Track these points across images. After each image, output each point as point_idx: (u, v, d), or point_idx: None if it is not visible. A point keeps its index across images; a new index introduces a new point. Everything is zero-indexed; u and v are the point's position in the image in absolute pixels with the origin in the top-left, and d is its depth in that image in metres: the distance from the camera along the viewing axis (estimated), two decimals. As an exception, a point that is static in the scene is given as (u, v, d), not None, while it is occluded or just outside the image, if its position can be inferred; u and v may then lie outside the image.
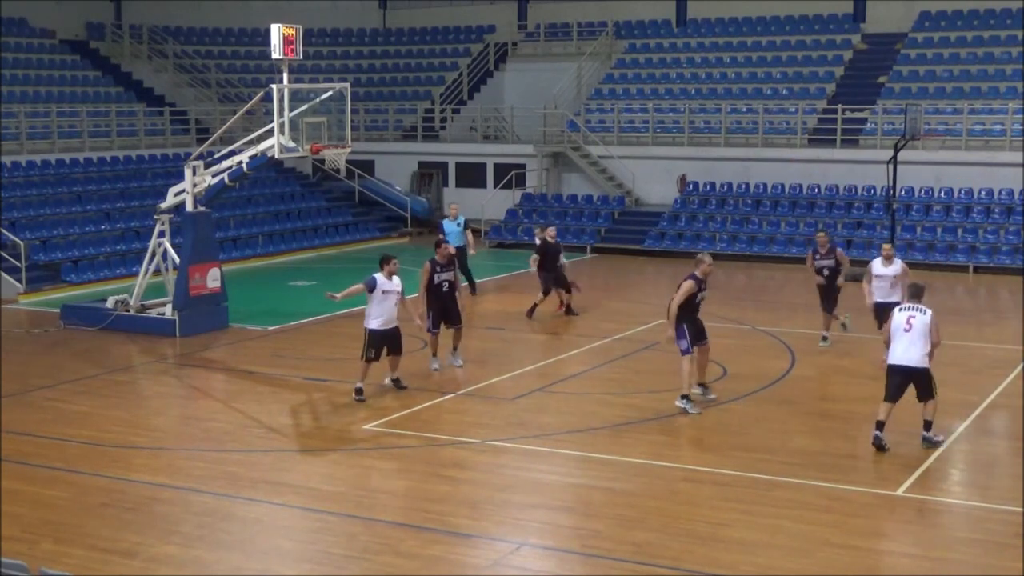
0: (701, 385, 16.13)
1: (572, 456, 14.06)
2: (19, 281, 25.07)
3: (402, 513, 12.05)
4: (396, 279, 16.22)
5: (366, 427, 15.12)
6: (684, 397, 15.54)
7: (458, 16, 43.24)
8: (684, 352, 15.52)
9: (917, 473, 13.18)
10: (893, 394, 13.96)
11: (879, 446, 13.85)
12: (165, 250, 21.74)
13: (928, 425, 14.07)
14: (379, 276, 16.11)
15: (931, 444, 14.01)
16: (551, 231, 22.71)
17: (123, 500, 12.45)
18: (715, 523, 11.68)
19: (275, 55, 19.99)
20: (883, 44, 36.41)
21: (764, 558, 10.84)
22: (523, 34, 41.80)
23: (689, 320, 15.59)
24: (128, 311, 21.54)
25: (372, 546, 11.21)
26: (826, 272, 19.09)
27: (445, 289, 17.58)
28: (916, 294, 14.24)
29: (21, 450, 14.10)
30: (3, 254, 25.36)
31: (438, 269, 17.52)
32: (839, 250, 19.65)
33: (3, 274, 25.10)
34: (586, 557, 11.02)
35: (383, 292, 16.06)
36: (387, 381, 16.67)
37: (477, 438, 14.68)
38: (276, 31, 19.86)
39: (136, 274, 22.58)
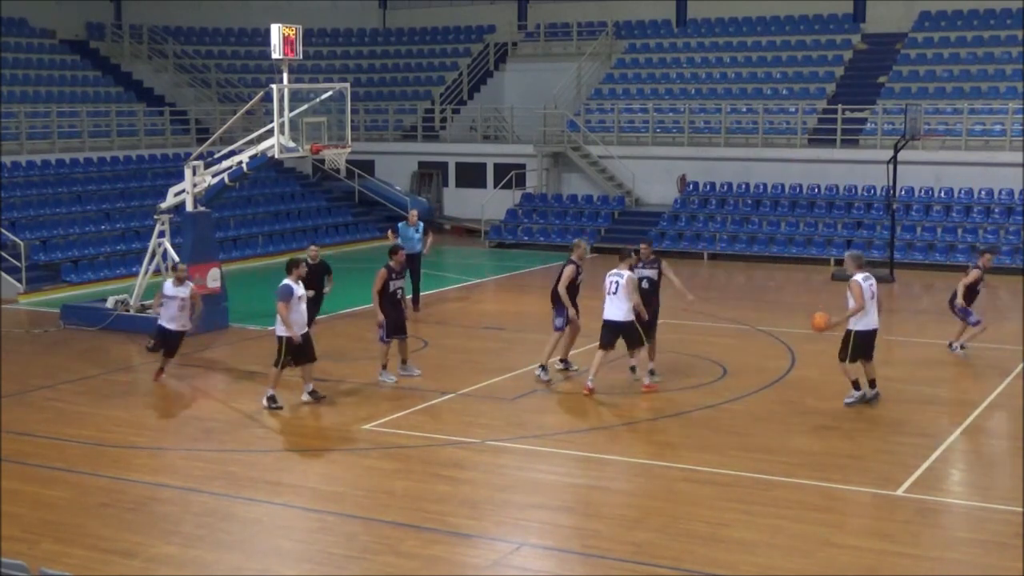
0: (564, 361, 17.81)
1: (572, 456, 14.06)
2: (19, 281, 25.07)
3: (402, 513, 12.04)
4: (301, 284, 16.16)
5: (366, 427, 15.12)
6: (543, 367, 17.34)
7: (458, 16, 43.25)
8: (557, 329, 17.29)
9: (917, 473, 13.18)
10: (867, 353, 15.80)
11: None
12: (165, 250, 21.74)
13: (874, 383, 15.94)
14: (290, 282, 15.88)
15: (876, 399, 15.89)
16: (312, 249, 20.02)
17: (123, 500, 12.45)
18: (715, 523, 11.68)
19: (275, 55, 19.98)
20: (883, 44, 36.42)
21: (764, 558, 10.84)
22: (523, 34, 41.81)
23: (572, 302, 17.17)
24: (128, 311, 21.54)
25: (372, 546, 11.21)
26: (646, 284, 17.22)
27: (399, 296, 17.28)
28: (863, 264, 15.75)
29: (21, 450, 14.10)
30: (3, 254, 25.36)
31: (393, 276, 17.09)
32: (665, 262, 17.83)
33: (3, 274, 25.10)
34: (586, 557, 11.02)
35: (298, 297, 15.86)
36: (304, 397, 16.22)
37: (477, 438, 14.68)
38: (276, 31, 19.85)
39: (136, 274, 22.58)
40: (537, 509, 12.30)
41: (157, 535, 11.46)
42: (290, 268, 16.12)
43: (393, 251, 17.43)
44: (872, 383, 15.92)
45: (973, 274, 18.80)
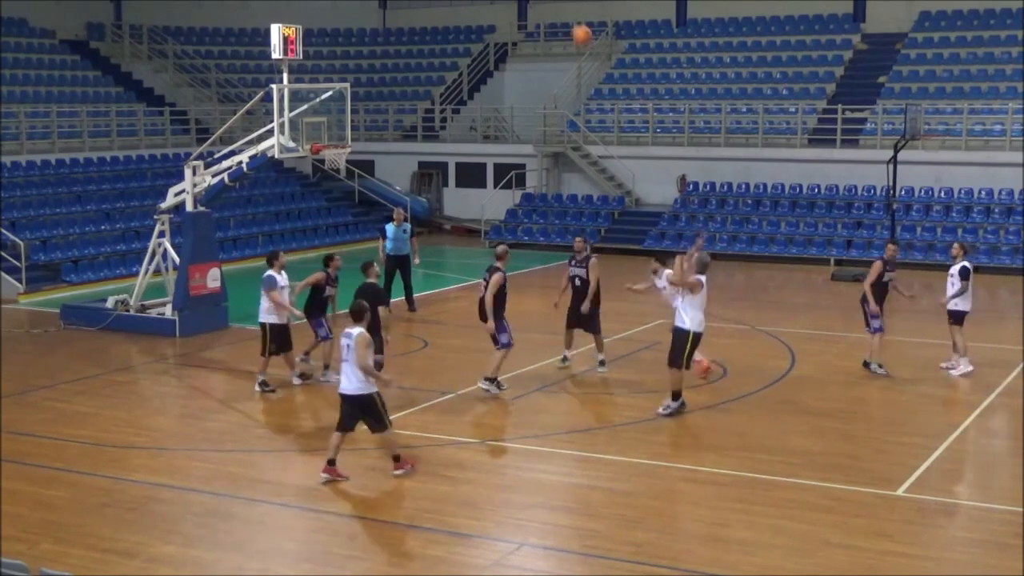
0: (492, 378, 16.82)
1: (572, 456, 14.06)
2: (19, 281, 25.06)
3: (402, 513, 12.05)
4: (284, 274, 17.04)
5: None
6: (489, 379, 16.50)
7: (458, 16, 43.24)
8: (504, 346, 16.40)
9: (917, 473, 13.18)
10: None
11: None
12: (165, 250, 21.74)
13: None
14: (272, 272, 16.81)
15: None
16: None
17: (123, 500, 12.45)
18: (715, 523, 11.68)
19: (275, 55, 19.98)
20: (883, 44, 36.42)
21: (764, 558, 10.84)
22: (523, 34, 41.80)
23: (503, 313, 16.52)
24: (128, 311, 21.55)
25: (372, 546, 11.22)
26: (578, 282, 17.54)
27: (328, 302, 17.46)
28: (705, 269, 15.17)
29: (21, 450, 14.10)
30: (3, 254, 25.35)
31: (329, 282, 17.27)
32: (594, 260, 17.74)
33: (3, 274, 25.10)
34: (586, 557, 11.02)
35: (280, 288, 16.83)
36: (295, 380, 17.24)
37: (477, 438, 14.68)
38: (276, 31, 19.85)
39: (136, 274, 22.59)
40: (537, 509, 12.31)
41: (157, 535, 11.46)
42: (271, 260, 17.07)
43: (328, 259, 17.63)
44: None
45: (876, 267, 17.40)
